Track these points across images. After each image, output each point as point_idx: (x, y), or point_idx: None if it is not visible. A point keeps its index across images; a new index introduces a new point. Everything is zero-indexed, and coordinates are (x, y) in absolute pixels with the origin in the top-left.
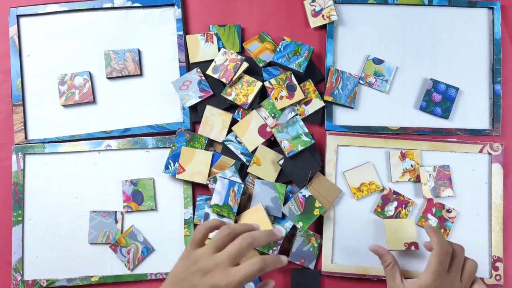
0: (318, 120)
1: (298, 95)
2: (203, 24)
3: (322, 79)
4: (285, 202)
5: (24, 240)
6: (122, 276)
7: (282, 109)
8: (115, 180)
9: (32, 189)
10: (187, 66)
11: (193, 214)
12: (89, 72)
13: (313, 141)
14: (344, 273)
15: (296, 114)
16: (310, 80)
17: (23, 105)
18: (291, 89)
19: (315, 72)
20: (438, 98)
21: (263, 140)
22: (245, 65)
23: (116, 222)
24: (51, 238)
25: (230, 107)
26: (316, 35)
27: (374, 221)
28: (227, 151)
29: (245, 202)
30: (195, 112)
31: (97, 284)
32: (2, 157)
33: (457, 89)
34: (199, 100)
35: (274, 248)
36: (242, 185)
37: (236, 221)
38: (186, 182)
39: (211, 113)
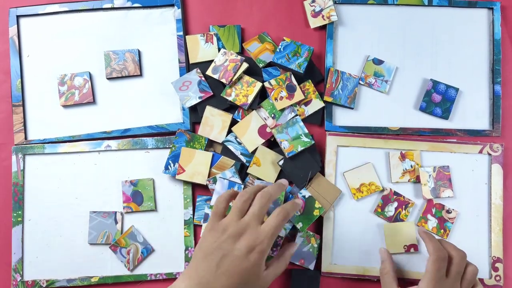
0: (318, 120)
1: (298, 95)
2: (203, 25)
3: (322, 79)
4: (285, 203)
5: (24, 241)
6: (122, 276)
7: (282, 110)
8: (115, 181)
9: (32, 189)
10: (187, 66)
11: (193, 214)
12: (89, 73)
13: (313, 142)
14: (344, 273)
15: (296, 115)
16: (310, 80)
17: (23, 105)
18: (291, 90)
19: (315, 73)
20: (438, 98)
21: (263, 140)
22: (245, 65)
23: (116, 222)
24: (51, 238)
25: (230, 107)
26: (316, 36)
27: (373, 222)
28: (227, 152)
29: None
30: (195, 113)
31: (97, 285)
32: (2, 158)
33: (457, 89)
34: (199, 100)
35: (274, 249)
36: (242, 186)
37: None
38: (186, 182)
39: (211, 113)
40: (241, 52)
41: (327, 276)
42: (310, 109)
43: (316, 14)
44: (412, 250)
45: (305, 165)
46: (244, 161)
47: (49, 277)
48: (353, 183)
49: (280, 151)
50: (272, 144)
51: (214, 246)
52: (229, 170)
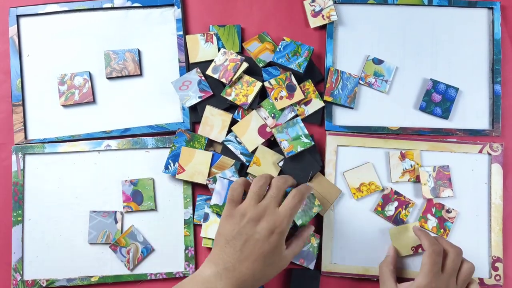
0: (318, 120)
1: (298, 95)
2: (203, 24)
3: (322, 79)
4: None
5: (24, 240)
6: (122, 276)
7: (282, 109)
8: (115, 180)
9: (32, 189)
10: (187, 66)
11: (193, 214)
12: (89, 72)
13: (313, 143)
14: (344, 273)
15: (296, 115)
16: (310, 80)
17: (23, 105)
18: (291, 89)
19: (315, 72)
20: (438, 98)
21: (263, 140)
22: (245, 65)
23: (116, 222)
24: (51, 238)
25: (230, 107)
26: (316, 35)
27: (374, 222)
28: (227, 151)
29: None
30: (195, 112)
31: (97, 284)
32: (2, 157)
33: (457, 89)
34: (199, 100)
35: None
36: None
37: None
38: (186, 182)
39: (211, 113)
40: (241, 51)
41: (327, 275)
42: (310, 109)
43: (316, 14)
44: (420, 250)
45: (305, 165)
46: (244, 160)
47: (49, 276)
48: (353, 183)
49: (280, 151)
50: (272, 143)
51: (235, 232)
52: (229, 170)
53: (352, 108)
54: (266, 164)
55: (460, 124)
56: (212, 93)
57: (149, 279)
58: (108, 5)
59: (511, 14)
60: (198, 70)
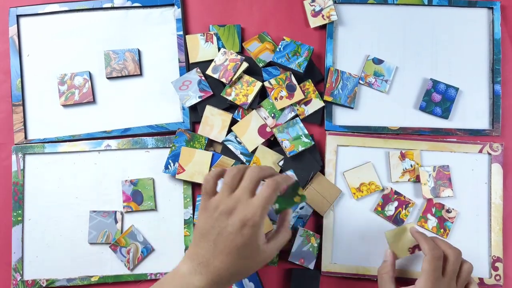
0: (318, 120)
1: (298, 95)
2: (203, 24)
3: (322, 79)
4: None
5: (24, 240)
6: (122, 276)
7: (282, 109)
8: (115, 180)
9: (32, 189)
10: (187, 66)
11: (193, 214)
12: (89, 72)
13: (313, 143)
14: (344, 273)
15: (296, 115)
16: (310, 80)
17: (23, 105)
18: (291, 89)
19: (315, 72)
20: (438, 98)
21: (263, 140)
22: (245, 65)
23: (116, 222)
24: (51, 238)
25: (230, 107)
26: (316, 35)
27: (373, 221)
28: (227, 151)
29: None
30: (195, 112)
31: (97, 284)
32: (2, 157)
33: (457, 89)
34: (199, 100)
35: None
36: None
37: None
38: (186, 182)
39: (211, 113)
40: (241, 51)
41: (327, 275)
42: (310, 109)
43: (316, 14)
44: (417, 251)
45: (306, 165)
46: (244, 160)
47: (49, 276)
48: (353, 183)
49: (279, 151)
50: (272, 143)
51: (208, 225)
52: None
53: (352, 108)
54: (266, 164)
55: (460, 124)
56: (212, 93)
57: (149, 279)
58: (108, 5)
59: (511, 14)
60: (198, 70)
